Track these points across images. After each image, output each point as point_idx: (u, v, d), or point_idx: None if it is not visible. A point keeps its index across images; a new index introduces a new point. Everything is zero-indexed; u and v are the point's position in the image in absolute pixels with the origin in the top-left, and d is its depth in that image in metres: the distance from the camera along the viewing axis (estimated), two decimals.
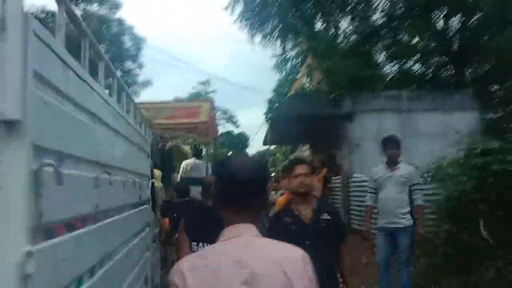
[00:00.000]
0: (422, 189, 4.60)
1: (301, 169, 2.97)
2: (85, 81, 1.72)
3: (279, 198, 5.39)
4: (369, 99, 10.27)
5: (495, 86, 14.73)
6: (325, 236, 2.90)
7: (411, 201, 4.50)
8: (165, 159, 7.45)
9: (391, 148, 4.64)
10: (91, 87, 1.82)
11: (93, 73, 1.98)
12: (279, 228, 2.91)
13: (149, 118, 4.05)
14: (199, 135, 6.61)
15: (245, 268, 1.27)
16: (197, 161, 7.50)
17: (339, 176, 9.07)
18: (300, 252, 1.39)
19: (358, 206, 7.99)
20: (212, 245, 1.41)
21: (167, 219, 5.28)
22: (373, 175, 4.89)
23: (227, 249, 1.34)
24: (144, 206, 3.39)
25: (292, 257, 1.35)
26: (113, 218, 2.10)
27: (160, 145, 6.73)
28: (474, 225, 4.29)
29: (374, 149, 9.35)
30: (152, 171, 4.51)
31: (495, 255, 4.11)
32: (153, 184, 4.09)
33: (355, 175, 8.46)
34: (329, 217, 2.97)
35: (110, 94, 2.51)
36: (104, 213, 1.92)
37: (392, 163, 4.65)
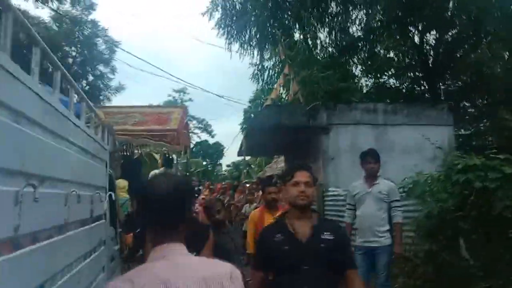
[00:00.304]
0: (401, 206, 4.39)
1: (301, 176, 2.45)
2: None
3: (252, 212, 4.96)
4: (345, 111, 10.15)
5: (466, 103, 14.96)
6: (327, 259, 2.33)
7: (390, 219, 4.28)
8: (133, 169, 7.05)
9: (370, 162, 4.42)
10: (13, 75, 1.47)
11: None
12: (268, 247, 2.44)
13: (109, 122, 3.65)
14: (169, 143, 6.23)
15: (180, 285, 1.30)
16: (167, 170, 7.08)
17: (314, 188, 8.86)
18: (229, 268, 1.45)
19: (333, 216, 7.75)
20: (139, 266, 1.41)
21: (130, 235, 4.87)
22: (351, 191, 4.65)
23: (155, 271, 1.35)
24: (98, 222, 3.01)
25: (219, 274, 1.39)
26: (47, 241, 1.75)
27: (126, 153, 6.33)
28: (455, 244, 4.10)
29: (349, 162, 9.20)
30: (113, 182, 4.13)
31: (476, 276, 3.92)
32: (110, 196, 3.70)
33: (330, 188, 8.24)
34: (331, 236, 2.39)
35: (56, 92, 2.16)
36: (31, 237, 1.57)
37: (371, 178, 4.43)
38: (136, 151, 6.64)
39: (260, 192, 8.81)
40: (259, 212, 4.50)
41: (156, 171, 6.98)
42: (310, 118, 9.80)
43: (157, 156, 8.75)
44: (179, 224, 1.45)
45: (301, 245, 2.38)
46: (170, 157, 7.53)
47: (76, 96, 2.69)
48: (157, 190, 1.43)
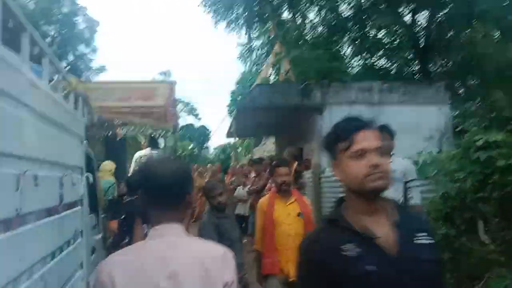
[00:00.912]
0: (419, 186, 3.97)
1: (368, 138, 1.38)
2: None
3: (261, 200, 3.93)
4: (339, 90, 9.76)
5: (458, 83, 14.77)
6: (432, 282, 1.37)
7: (406, 201, 3.87)
8: (117, 150, 6.52)
9: (384, 139, 3.96)
10: None
11: None
12: (331, 270, 1.37)
13: (84, 91, 3.11)
14: (156, 120, 5.68)
15: (169, 265, 1.35)
16: (153, 151, 6.51)
17: (309, 171, 8.47)
18: (222, 250, 1.47)
19: (330, 202, 7.39)
20: (138, 243, 1.50)
21: (115, 221, 4.39)
22: None
23: (152, 248, 1.40)
24: (71, 210, 2.50)
25: (212, 255, 1.43)
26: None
27: (110, 133, 5.78)
28: (473, 228, 3.74)
29: None
30: (92, 161, 3.62)
31: (496, 262, 3.59)
32: (87, 178, 3.18)
33: (327, 170, 7.86)
34: (429, 239, 1.41)
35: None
36: None
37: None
38: (118, 131, 6.06)
39: (252, 174, 8.39)
40: (268, 199, 3.69)
41: (142, 152, 6.42)
42: (303, 97, 9.39)
43: (141, 137, 8.19)
44: (178, 205, 1.48)
45: (392, 261, 1.33)
46: (156, 137, 6.96)
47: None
48: (157, 171, 1.46)
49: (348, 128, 1.44)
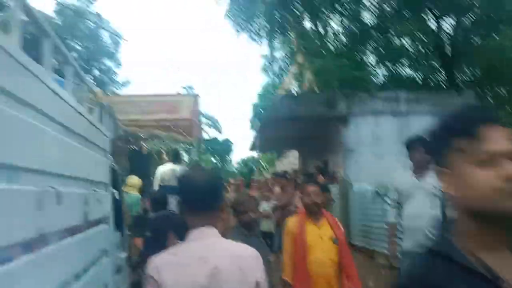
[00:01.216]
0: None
1: (500, 138, 0.94)
2: None
3: (289, 221, 3.40)
4: (364, 100, 9.55)
5: (485, 90, 14.30)
6: None
7: (444, 217, 3.61)
8: (142, 164, 6.45)
9: (418, 151, 3.73)
10: None
11: None
12: None
13: (109, 104, 3.03)
14: (180, 134, 5.59)
15: (209, 263, 1.51)
16: (176, 166, 6.42)
17: (334, 184, 8.24)
18: (254, 251, 1.64)
19: (360, 220, 7.15)
20: (180, 244, 1.63)
21: (139, 239, 4.28)
22: (396, 185, 3.95)
23: (194, 248, 1.56)
24: (99, 228, 2.40)
25: (247, 255, 1.61)
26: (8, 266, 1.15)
27: (134, 146, 5.72)
28: None
29: (371, 154, 8.58)
30: (117, 177, 3.54)
31: None
32: (113, 194, 3.09)
33: (356, 184, 7.61)
34: None
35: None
36: None
37: (421, 169, 3.74)
38: (143, 144, 5.99)
39: (277, 189, 8.19)
40: (298, 222, 3.24)
41: (166, 166, 6.33)
42: (327, 107, 9.21)
43: (164, 151, 8.14)
44: (213, 211, 1.64)
45: None
46: (178, 152, 6.87)
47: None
48: (195, 181, 1.64)
49: (473, 120, 0.99)
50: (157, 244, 3.89)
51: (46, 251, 1.52)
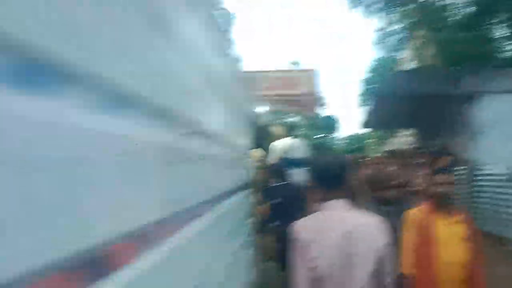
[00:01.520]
0: None
1: None
2: None
3: (411, 212, 2.82)
4: (494, 77, 8.68)
5: None
6: None
7: None
8: (261, 137, 6.75)
9: None
10: None
11: None
12: None
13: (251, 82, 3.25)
14: (302, 108, 5.73)
15: (344, 226, 1.77)
16: (296, 140, 6.62)
17: (458, 168, 7.75)
18: (378, 219, 1.86)
19: (491, 204, 6.73)
20: (319, 211, 1.87)
21: (266, 205, 4.62)
22: None
23: (331, 213, 1.83)
24: (245, 192, 2.61)
25: (375, 221, 1.84)
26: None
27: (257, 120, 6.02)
28: None
29: (501, 136, 7.87)
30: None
31: None
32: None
33: (485, 166, 7.10)
34: None
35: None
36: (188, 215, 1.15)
37: None
38: (264, 118, 6.26)
39: (392, 167, 7.98)
40: (423, 214, 2.74)
41: (285, 140, 6.57)
42: (450, 84, 8.58)
43: (279, 126, 8.38)
44: (342, 185, 1.90)
45: None
46: (297, 125, 7.03)
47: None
48: (327, 161, 1.96)
49: None
50: (283, 210, 4.20)
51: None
